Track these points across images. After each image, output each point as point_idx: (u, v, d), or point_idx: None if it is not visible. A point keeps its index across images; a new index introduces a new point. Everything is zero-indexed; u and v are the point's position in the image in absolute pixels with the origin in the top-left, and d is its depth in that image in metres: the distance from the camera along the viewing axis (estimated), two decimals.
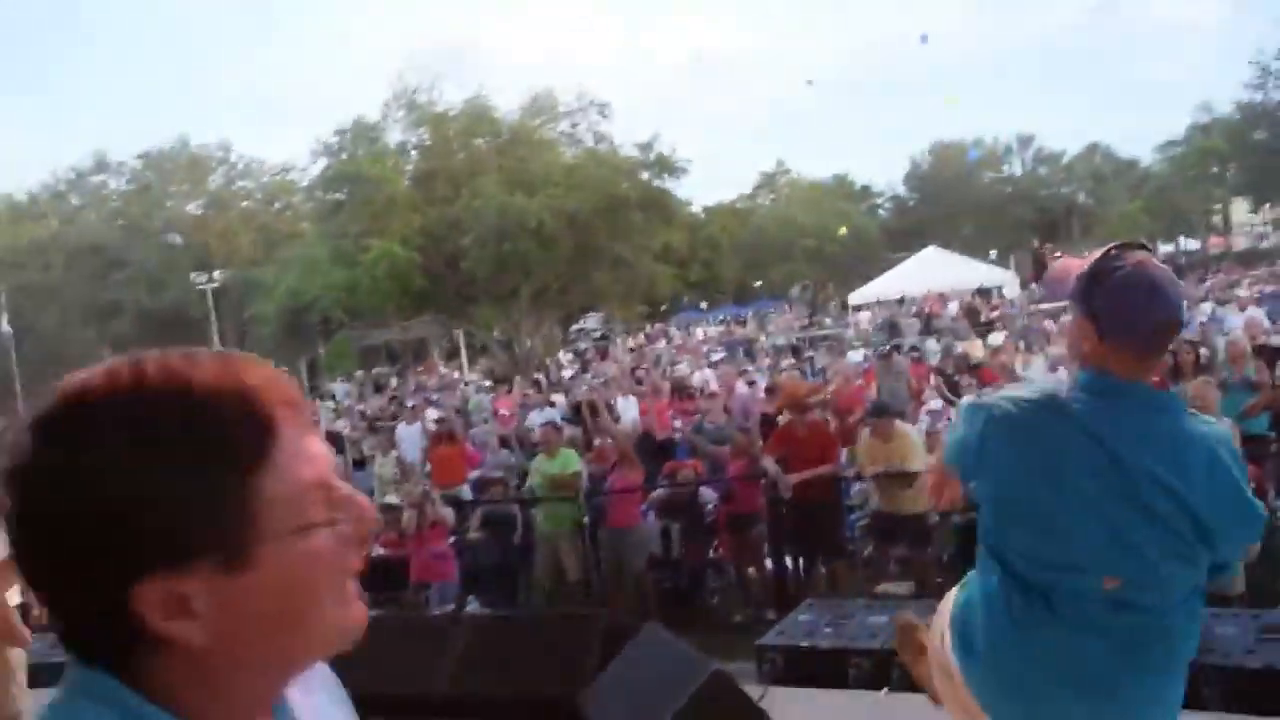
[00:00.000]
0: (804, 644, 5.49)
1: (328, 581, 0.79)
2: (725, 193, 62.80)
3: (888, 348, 20.36)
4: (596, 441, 10.40)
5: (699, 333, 48.51)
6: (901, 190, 57.94)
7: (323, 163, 25.85)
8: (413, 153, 26.51)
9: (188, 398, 0.74)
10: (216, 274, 34.70)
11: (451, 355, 52.40)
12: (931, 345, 22.31)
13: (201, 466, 0.73)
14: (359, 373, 40.53)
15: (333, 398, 40.74)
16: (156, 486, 0.72)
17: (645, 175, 25.43)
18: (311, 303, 23.00)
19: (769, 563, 8.89)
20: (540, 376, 24.07)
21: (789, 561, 8.72)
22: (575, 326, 48.97)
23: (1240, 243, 55.35)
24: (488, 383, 25.16)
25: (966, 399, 2.06)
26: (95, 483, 0.72)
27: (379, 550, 9.84)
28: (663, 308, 55.92)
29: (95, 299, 38.42)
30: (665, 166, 25.11)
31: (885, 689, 4.98)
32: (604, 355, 38.49)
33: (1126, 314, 1.93)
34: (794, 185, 59.70)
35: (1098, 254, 2.00)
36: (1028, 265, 36.13)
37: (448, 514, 8.92)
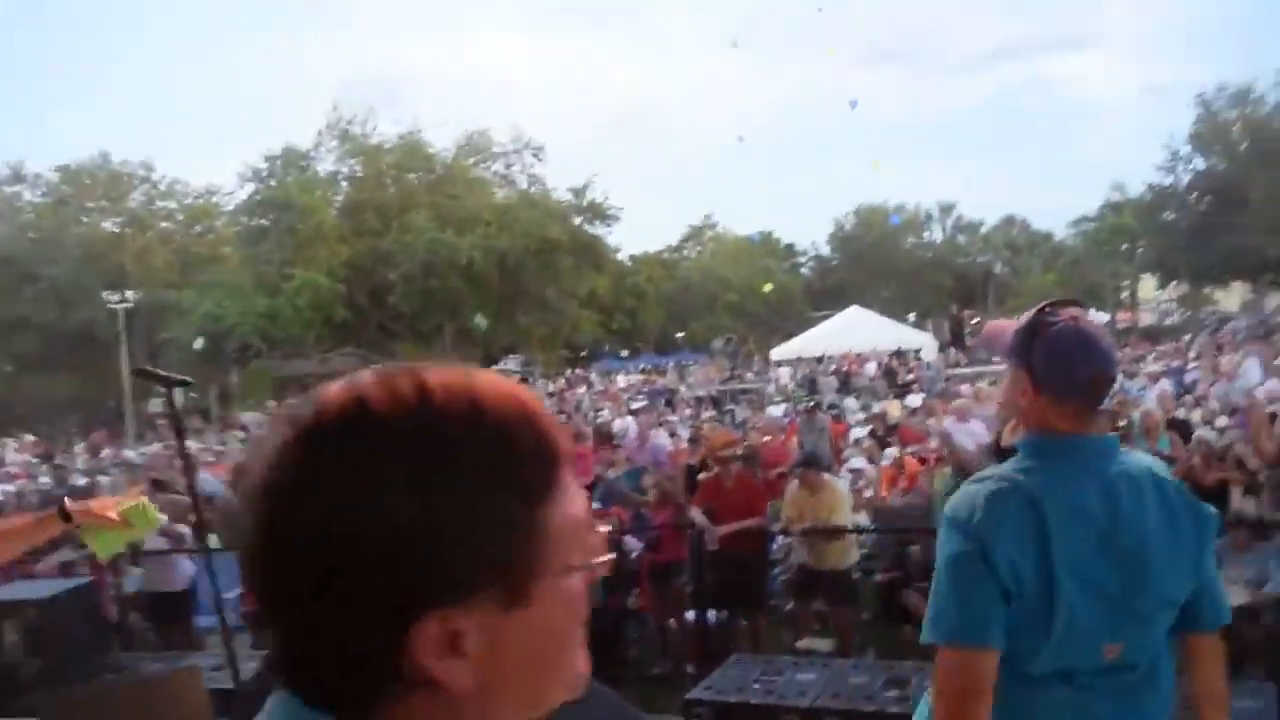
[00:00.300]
0: (734, 699, 5.40)
1: (578, 624, 0.73)
2: (652, 243, 63.25)
3: (810, 404, 20.62)
4: None
5: (619, 380, 48.54)
6: (825, 250, 58.96)
7: (250, 187, 25.39)
8: (343, 183, 26.19)
9: (479, 419, 0.67)
10: (130, 294, 33.70)
11: None
12: (850, 403, 22.66)
13: (495, 494, 0.66)
14: (271, 403, 39.69)
15: (243, 429, 39.85)
16: (447, 513, 0.65)
17: (577, 220, 25.52)
18: (231, 328, 22.42)
19: (690, 615, 8.81)
20: None
21: (712, 614, 8.64)
22: (495, 368, 48.59)
23: (1146, 318, 57.34)
24: None
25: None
26: (382, 505, 0.64)
27: None
28: (582, 353, 55.95)
29: (2, 313, 37.03)
30: (597, 213, 25.23)
31: None
32: None
33: (1063, 365, 1.93)
34: (720, 240, 60.33)
35: (1034, 309, 2.01)
36: (945, 329, 36.91)
37: None
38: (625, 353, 61.05)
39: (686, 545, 9.12)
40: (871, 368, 31.16)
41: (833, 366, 32.46)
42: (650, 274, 54.21)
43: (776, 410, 22.82)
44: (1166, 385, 16.00)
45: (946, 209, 56.43)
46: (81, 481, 14.79)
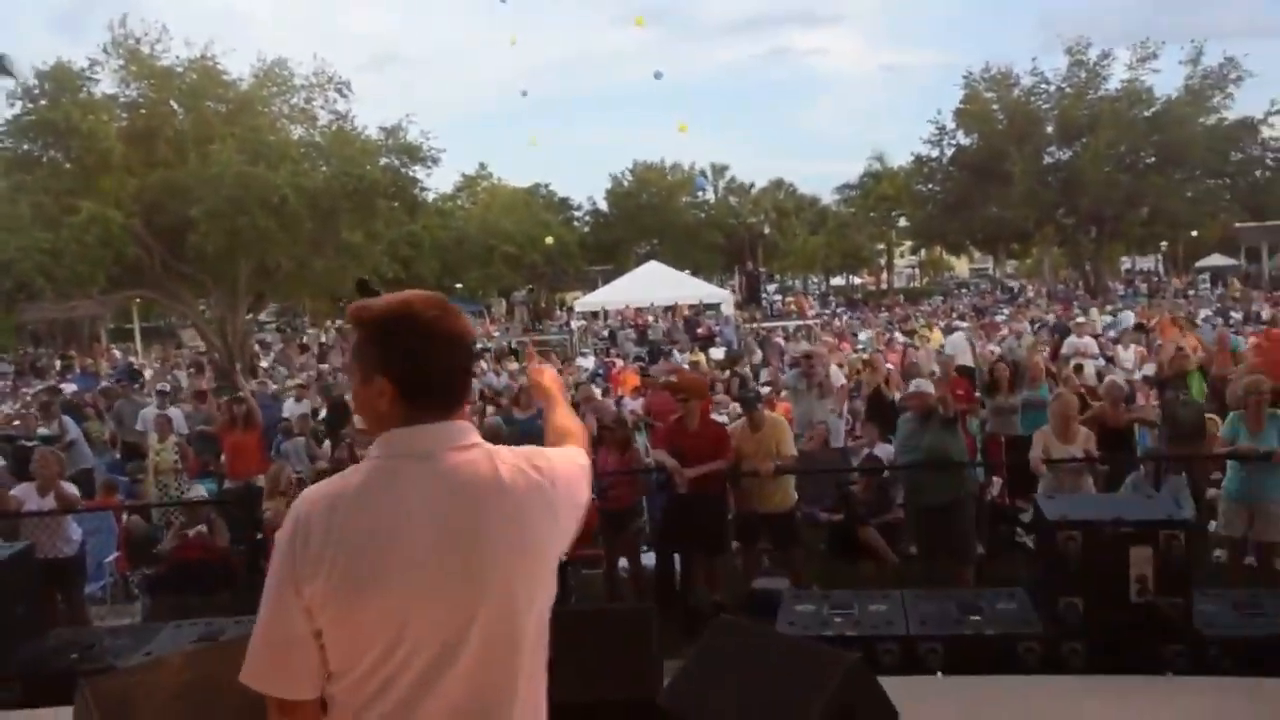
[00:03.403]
0: (830, 633, 5.36)
1: None
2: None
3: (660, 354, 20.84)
4: None
5: None
6: (602, 205, 59.23)
7: (13, 108, 22.55)
8: (123, 109, 23.75)
9: None
10: None
11: (120, 338, 47.61)
12: (676, 356, 22.95)
13: None
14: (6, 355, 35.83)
15: None
16: None
17: (385, 161, 24.30)
18: (6, 266, 19.89)
19: (649, 559, 8.69)
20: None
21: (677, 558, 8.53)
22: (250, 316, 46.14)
23: (896, 282, 61.32)
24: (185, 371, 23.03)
25: None
26: None
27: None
28: (341, 303, 53.75)
29: None
30: (413, 155, 24.08)
31: (939, 671, 4.99)
32: (303, 349, 36.49)
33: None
34: (494, 191, 59.42)
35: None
36: (742, 285, 38.01)
37: None
38: None
39: (637, 490, 9.00)
40: (660, 324, 31.72)
41: (618, 321, 32.81)
42: (425, 223, 52.78)
43: (586, 362, 22.84)
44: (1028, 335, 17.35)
45: (720, 170, 57.94)
46: None
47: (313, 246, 22.99)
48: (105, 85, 23.27)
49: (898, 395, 13.42)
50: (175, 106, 23.63)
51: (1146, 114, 38.48)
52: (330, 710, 1.72)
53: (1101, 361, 16.64)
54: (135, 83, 23.14)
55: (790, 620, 5.61)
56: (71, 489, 8.74)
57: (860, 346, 22.61)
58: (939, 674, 5.03)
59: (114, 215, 20.68)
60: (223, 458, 12.19)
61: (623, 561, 8.87)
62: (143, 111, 22.91)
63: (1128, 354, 17.01)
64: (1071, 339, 18.06)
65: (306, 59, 24.32)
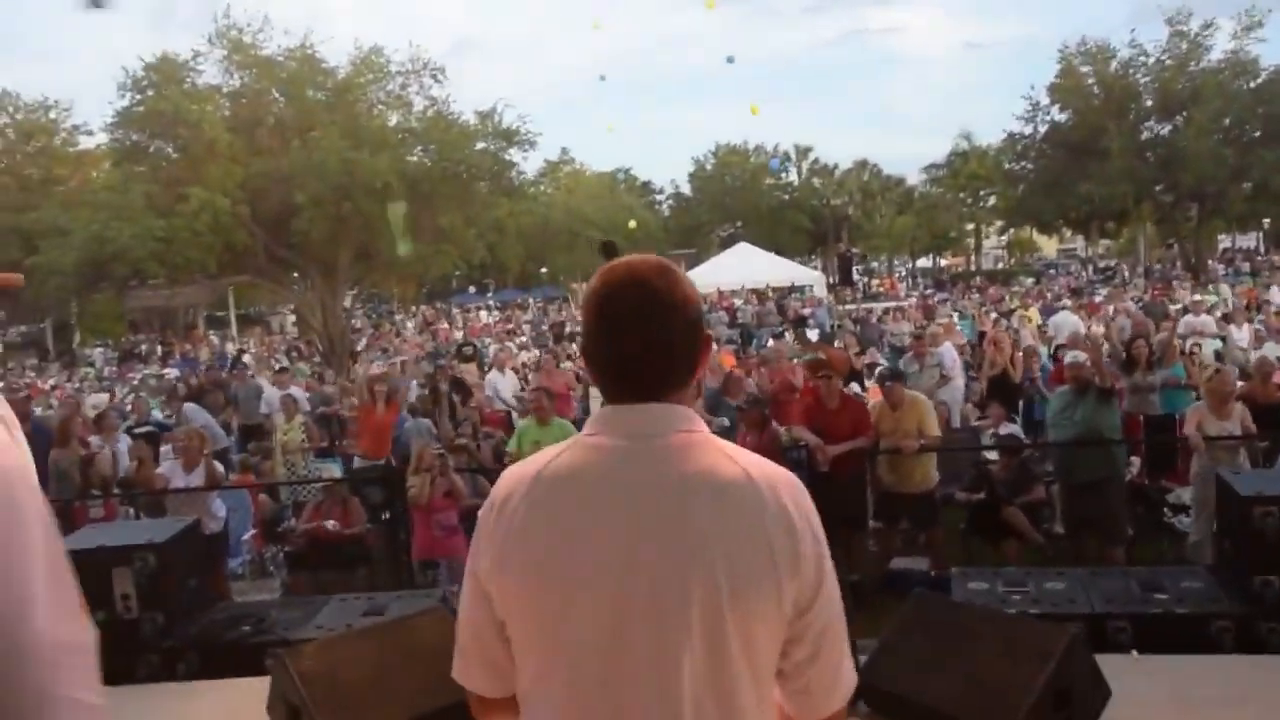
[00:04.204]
0: (1010, 611, 5.22)
1: None
2: None
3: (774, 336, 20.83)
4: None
5: (482, 316, 47.65)
6: (685, 189, 59.06)
7: (123, 99, 23.13)
8: (226, 98, 24.25)
9: None
10: None
11: (213, 325, 48.80)
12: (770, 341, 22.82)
13: None
14: (125, 338, 36.90)
15: (91, 365, 36.96)
16: None
17: (481, 145, 24.45)
18: (119, 252, 20.45)
19: None
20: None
21: None
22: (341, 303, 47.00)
23: (983, 263, 60.20)
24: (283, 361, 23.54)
25: None
26: None
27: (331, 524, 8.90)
28: (424, 289, 54.43)
29: None
30: (509, 138, 24.18)
31: (1134, 651, 4.85)
32: (394, 332, 37.05)
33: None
34: (577, 176, 59.59)
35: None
36: (834, 267, 37.63)
37: (461, 483, 8.05)
38: (473, 289, 59.87)
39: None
40: (748, 306, 31.58)
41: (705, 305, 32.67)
42: (510, 208, 53.16)
43: None
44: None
45: (803, 151, 57.41)
46: None
47: (412, 231, 23.23)
48: (209, 75, 23.77)
49: (1019, 375, 13.27)
50: (276, 95, 24.03)
51: (1251, 85, 37.12)
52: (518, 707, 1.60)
53: (1219, 343, 16.18)
54: (238, 72, 23.58)
55: (963, 599, 5.50)
56: (217, 466, 8.96)
57: (958, 327, 22.26)
58: (1134, 653, 4.88)
59: (222, 202, 21.14)
60: (346, 440, 12.39)
61: None
62: (244, 101, 23.35)
63: (1242, 333, 16.49)
64: (1188, 318, 17.57)
65: (390, 46, 24.50)
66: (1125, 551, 7.83)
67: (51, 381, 29.03)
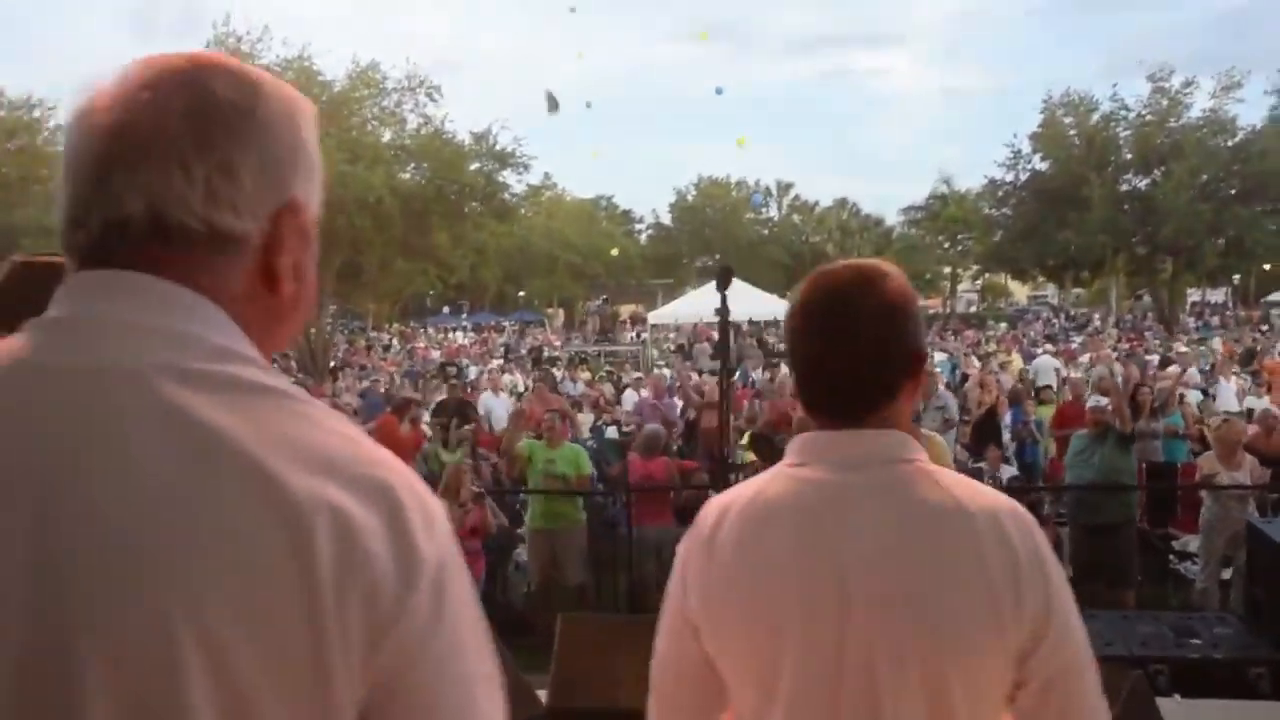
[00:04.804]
0: (1104, 653, 5.23)
1: None
2: None
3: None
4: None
5: (458, 337, 47.43)
6: (665, 219, 59.33)
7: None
8: None
9: None
10: None
11: None
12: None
13: None
14: None
15: None
16: None
17: (475, 166, 24.46)
18: None
19: None
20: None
21: None
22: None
23: (957, 307, 60.79)
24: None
25: None
26: None
27: None
28: (396, 306, 54.17)
29: None
30: (503, 160, 24.20)
31: (1177, 695, 4.87)
32: (366, 348, 36.80)
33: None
34: (558, 201, 59.72)
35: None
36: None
37: (491, 518, 7.90)
38: (447, 309, 59.67)
39: None
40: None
41: (680, 335, 32.78)
42: (491, 230, 53.14)
43: (664, 373, 22.82)
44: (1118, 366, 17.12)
45: (785, 188, 57.87)
46: None
47: (401, 248, 23.16)
48: None
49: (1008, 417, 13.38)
50: None
51: (1229, 143, 37.92)
52: None
53: (1200, 394, 16.41)
54: None
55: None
56: None
57: (938, 370, 22.44)
58: (1177, 696, 4.91)
59: None
60: None
61: None
62: None
63: (1229, 386, 16.74)
64: (1173, 369, 17.79)
65: (387, 62, 24.64)
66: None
67: None
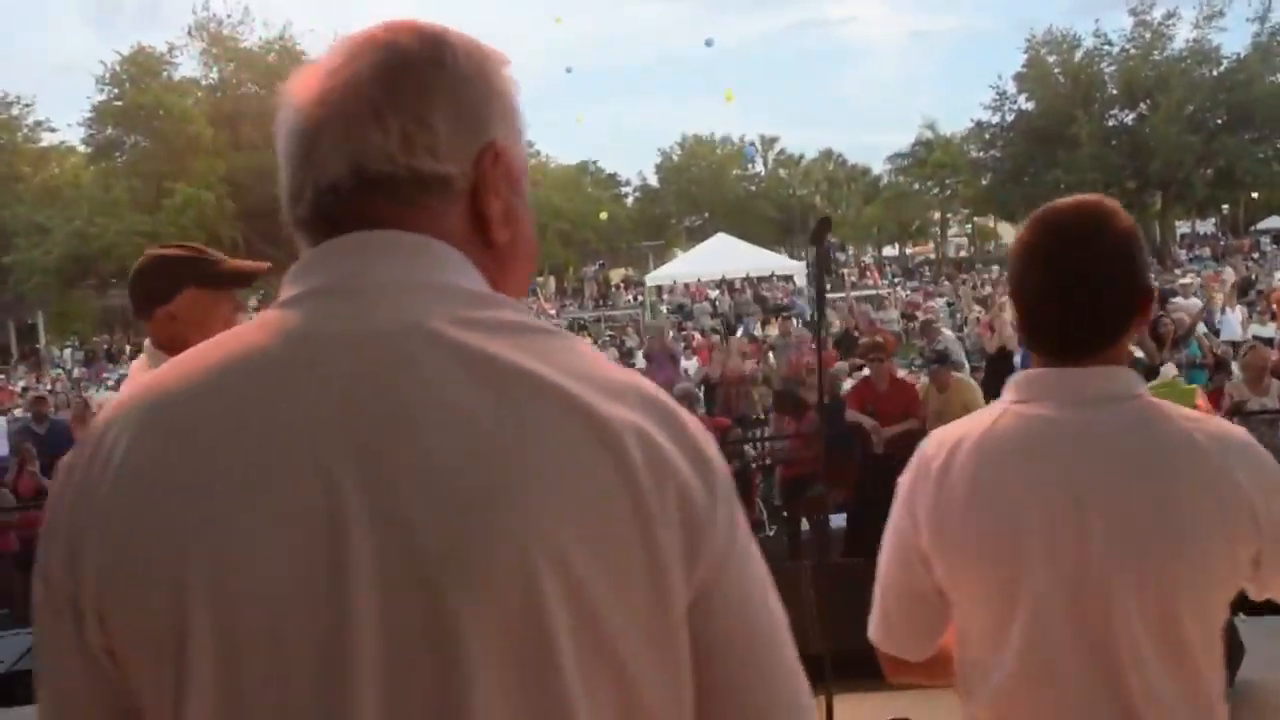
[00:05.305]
0: None
1: None
2: None
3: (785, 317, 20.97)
4: None
5: None
6: (651, 180, 59.04)
7: (101, 94, 22.70)
8: (205, 91, 23.89)
9: None
10: None
11: None
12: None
13: None
14: (96, 338, 36.18)
15: (59, 367, 36.13)
16: None
17: None
18: (104, 250, 20.08)
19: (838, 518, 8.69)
20: None
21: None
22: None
23: (947, 251, 60.79)
24: None
25: None
26: None
27: None
28: None
29: None
30: None
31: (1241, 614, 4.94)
32: None
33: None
34: (544, 169, 59.34)
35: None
36: (811, 257, 37.75)
37: None
38: None
39: (817, 453, 8.99)
40: (724, 297, 31.79)
41: (677, 295, 32.78)
42: None
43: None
44: None
45: (769, 142, 57.61)
46: None
47: None
48: (185, 69, 23.42)
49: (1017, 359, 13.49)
50: (257, 88, 23.74)
51: (1214, 73, 37.90)
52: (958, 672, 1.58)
53: (1202, 325, 16.58)
54: (217, 65, 23.25)
55: None
56: None
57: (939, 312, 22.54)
58: (1241, 615, 4.96)
59: (207, 197, 20.85)
60: None
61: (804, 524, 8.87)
62: (220, 95, 23.04)
63: (1234, 315, 16.88)
64: (1178, 300, 17.91)
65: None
66: None
67: (21, 384, 28.43)
